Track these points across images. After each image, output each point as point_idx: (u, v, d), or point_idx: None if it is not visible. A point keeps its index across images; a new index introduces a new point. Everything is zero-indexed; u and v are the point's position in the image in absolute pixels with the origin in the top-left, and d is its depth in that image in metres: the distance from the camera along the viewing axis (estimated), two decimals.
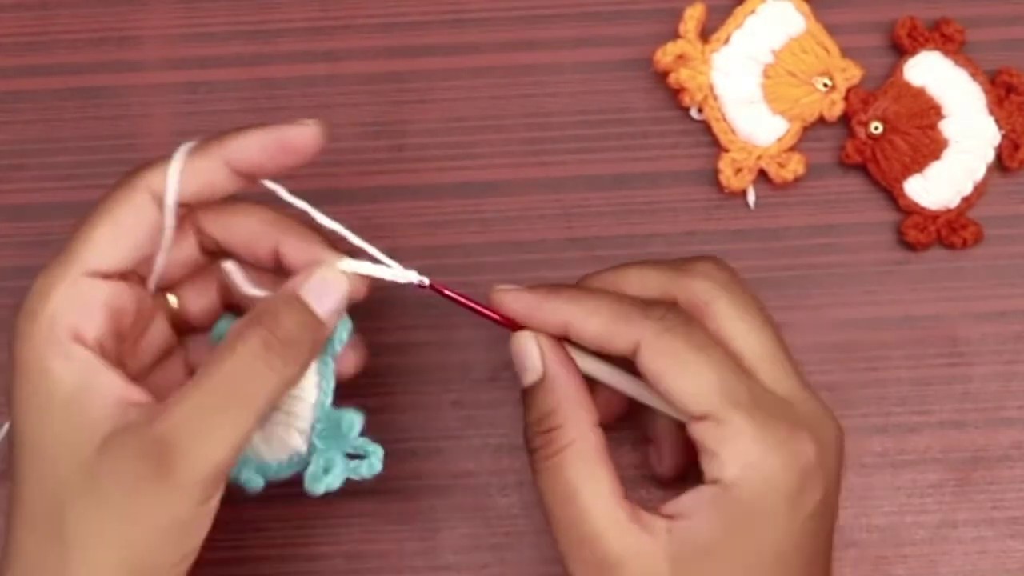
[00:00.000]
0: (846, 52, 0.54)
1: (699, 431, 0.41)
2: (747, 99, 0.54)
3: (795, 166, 0.53)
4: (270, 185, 0.44)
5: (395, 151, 0.54)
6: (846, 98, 0.54)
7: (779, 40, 0.54)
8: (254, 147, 0.43)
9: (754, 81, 0.54)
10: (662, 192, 0.54)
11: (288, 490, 0.45)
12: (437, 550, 0.51)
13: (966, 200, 0.54)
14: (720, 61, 0.54)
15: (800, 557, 0.42)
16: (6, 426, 0.45)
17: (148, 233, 0.43)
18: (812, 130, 0.54)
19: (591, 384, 0.44)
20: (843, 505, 0.52)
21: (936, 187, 0.53)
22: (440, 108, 0.55)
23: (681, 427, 0.43)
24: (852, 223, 0.54)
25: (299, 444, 0.44)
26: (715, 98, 0.54)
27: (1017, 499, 0.52)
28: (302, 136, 0.43)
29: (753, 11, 0.54)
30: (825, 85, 0.54)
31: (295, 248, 0.44)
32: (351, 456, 0.44)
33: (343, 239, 0.44)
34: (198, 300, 0.47)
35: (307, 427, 0.44)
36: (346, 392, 0.45)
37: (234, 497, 0.42)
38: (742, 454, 0.41)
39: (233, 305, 0.47)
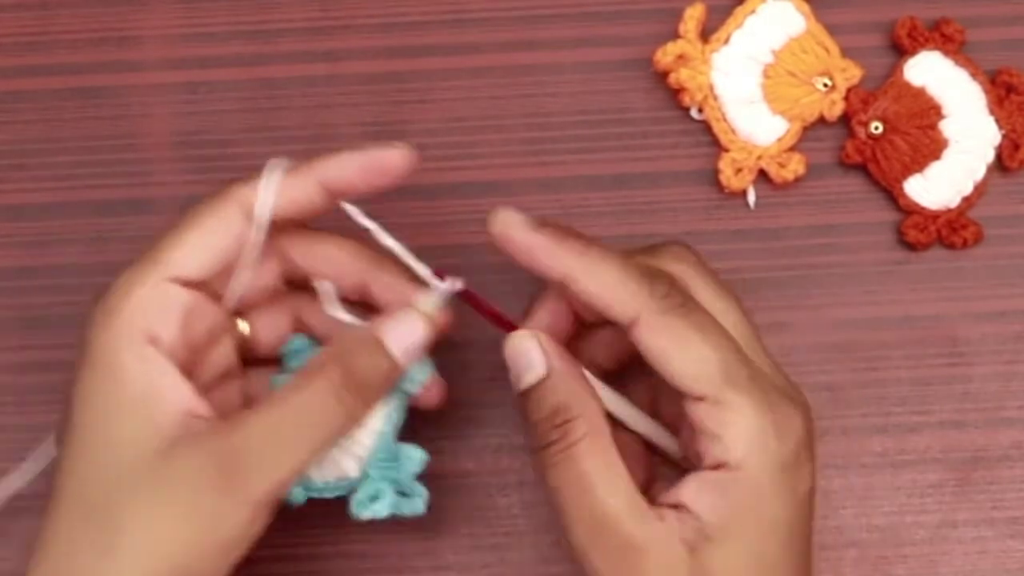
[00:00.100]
0: (846, 52, 0.54)
1: (699, 412, 0.41)
2: (747, 99, 0.54)
3: (795, 166, 0.53)
4: (347, 207, 0.45)
5: None
6: (846, 98, 0.54)
7: (779, 40, 0.54)
8: (353, 168, 0.44)
9: (754, 81, 0.54)
10: (662, 192, 0.54)
11: None
12: (437, 550, 0.51)
13: (966, 200, 0.54)
14: (720, 61, 0.54)
15: (804, 528, 0.42)
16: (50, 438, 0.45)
17: (233, 245, 0.44)
18: (812, 130, 0.54)
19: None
20: (843, 505, 0.52)
21: (936, 187, 0.53)
22: (440, 108, 0.55)
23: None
24: (852, 223, 0.54)
25: (351, 469, 0.44)
26: (715, 98, 0.54)
27: (1017, 499, 0.52)
28: (396, 159, 0.44)
29: (753, 11, 0.54)
30: (825, 85, 0.54)
31: (384, 286, 0.46)
32: (397, 491, 0.45)
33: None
34: (269, 329, 0.47)
35: (363, 454, 0.44)
36: None
37: None
38: (745, 435, 0.41)
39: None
